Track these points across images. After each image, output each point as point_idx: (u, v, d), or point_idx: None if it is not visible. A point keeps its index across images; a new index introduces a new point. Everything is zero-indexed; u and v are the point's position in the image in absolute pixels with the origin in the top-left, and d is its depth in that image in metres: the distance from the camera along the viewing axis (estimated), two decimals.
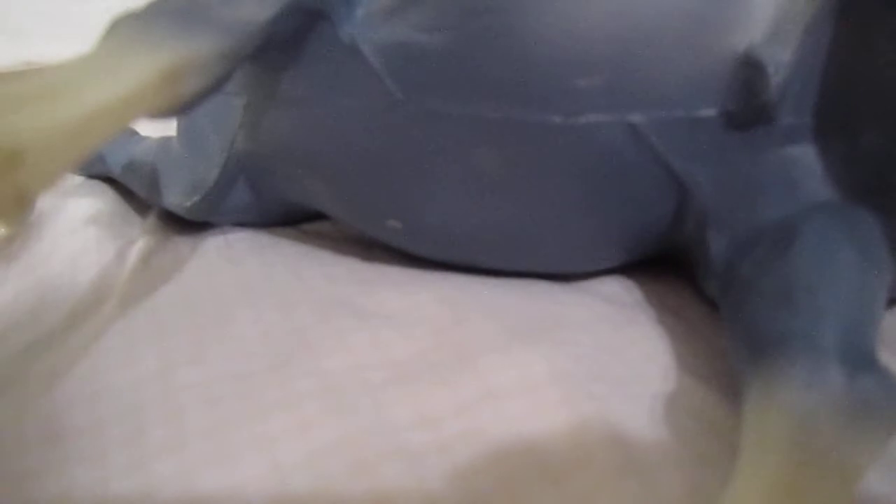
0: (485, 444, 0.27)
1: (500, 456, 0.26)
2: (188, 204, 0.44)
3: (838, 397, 0.24)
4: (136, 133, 0.53)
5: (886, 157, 0.33)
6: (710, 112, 0.33)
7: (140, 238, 0.46)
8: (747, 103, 0.33)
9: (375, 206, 0.39)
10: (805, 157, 0.34)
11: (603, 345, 0.34)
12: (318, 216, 0.48)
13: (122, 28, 0.30)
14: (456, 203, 0.37)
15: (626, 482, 0.25)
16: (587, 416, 0.28)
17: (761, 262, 0.32)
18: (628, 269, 0.41)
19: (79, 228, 0.46)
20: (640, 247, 0.39)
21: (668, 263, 0.41)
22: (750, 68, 0.33)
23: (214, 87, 0.31)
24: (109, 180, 0.53)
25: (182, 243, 0.46)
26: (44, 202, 0.48)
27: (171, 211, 0.48)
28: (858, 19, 0.32)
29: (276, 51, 0.37)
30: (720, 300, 0.35)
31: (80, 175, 0.54)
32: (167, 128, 0.46)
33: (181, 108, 0.30)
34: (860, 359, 0.26)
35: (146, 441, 0.28)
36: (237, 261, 0.43)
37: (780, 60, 0.32)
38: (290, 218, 0.47)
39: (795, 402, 0.24)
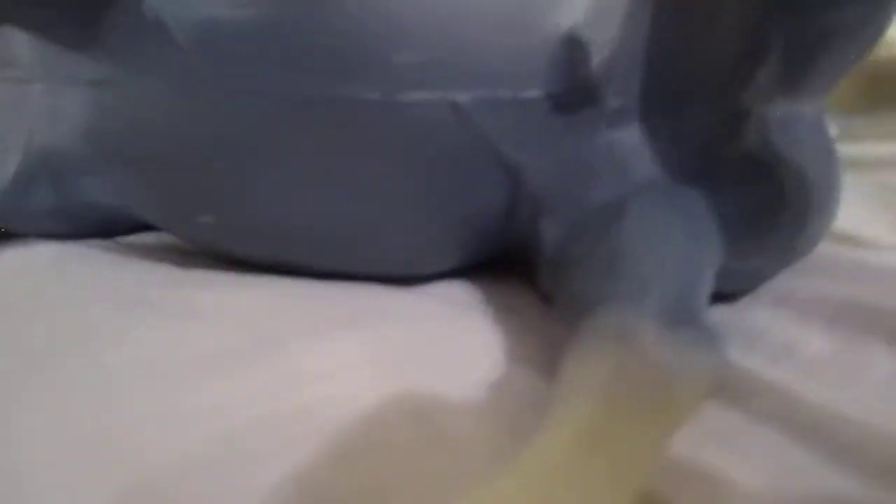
0: (280, 428, 0.24)
1: (295, 440, 0.23)
2: None
3: (650, 348, 0.23)
4: None
5: (709, 136, 0.33)
6: (535, 93, 0.32)
7: None
8: (572, 84, 0.32)
9: (187, 199, 0.36)
10: (632, 139, 0.33)
11: (428, 336, 0.31)
12: (134, 228, 0.44)
13: None
14: (274, 193, 0.34)
15: (429, 458, 0.22)
16: (396, 396, 0.25)
17: (590, 242, 0.31)
18: (470, 272, 0.39)
19: None
20: (475, 244, 0.37)
21: (509, 265, 0.39)
22: (573, 47, 0.32)
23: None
24: None
25: None
26: None
27: None
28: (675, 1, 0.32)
29: (74, 26, 0.33)
30: (552, 287, 0.33)
31: None
32: None
33: None
34: (680, 316, 0.25)
35: None
36: (35, 269, 0.38)
37: (602, 40, 0.32)
38: (102, 227, 0.43)
39: (607, 354, 0.23)
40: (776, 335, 0.32)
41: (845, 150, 0.34)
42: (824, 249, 0.35)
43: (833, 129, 0.34)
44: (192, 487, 0.21)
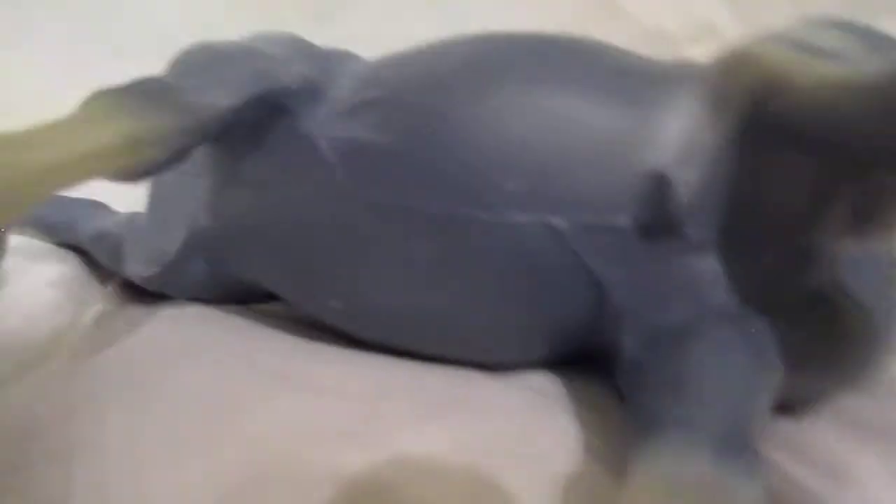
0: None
1: None
2: (147, 274, 0.47)
3: (701, 475, 0.26)
4: (107, 207, 0.56)
5: (780, 271, 0.36)
6: (624, 221, 0.37)
7: (97, 303, 0.49)
8: (658, 216, 0.37)
9: (320, 287, 0.42)
10: (709, 268, 0.37)
11: (512, 427, 0.36)
12: (270, 298, 0.51)
13: (98, 99, 0.34)
14: (392, 289, 0.40)
15: None
16: (481, 482, 0.30)
17: (662, 360, 0.35)
18: (555, 365, 0.44)
19: (41, 290, 0.49)
20: (563, 343, 0.41)
21: (592, 361, 0.44)
22: (661, 184, 0.37)
23: (171, 161, 0.35)
24: (76, 249, 0.55)
25: (136, 311, 0.48)
26: (10, 263, 0.50)
27: (132, 281, 0.51)
28: (756, 151, 0.36)
29: (239, 136, 0.40)
30: (628, 395, 0.37)
31: (50, 242, 0.56)
32: (137, 204, 0.50)
33: (138, 175, 0.34)
34: (734, 446, 0.29)
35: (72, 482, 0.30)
36: (184, 330, 0.45)
37: (687, 180, 0.36)
38: (243, 298, 0.50)
39: (662, 475, 0.26)
40: (832, 455, 0.35)
41: None
42: None
43: None
44: None
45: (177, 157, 0.35)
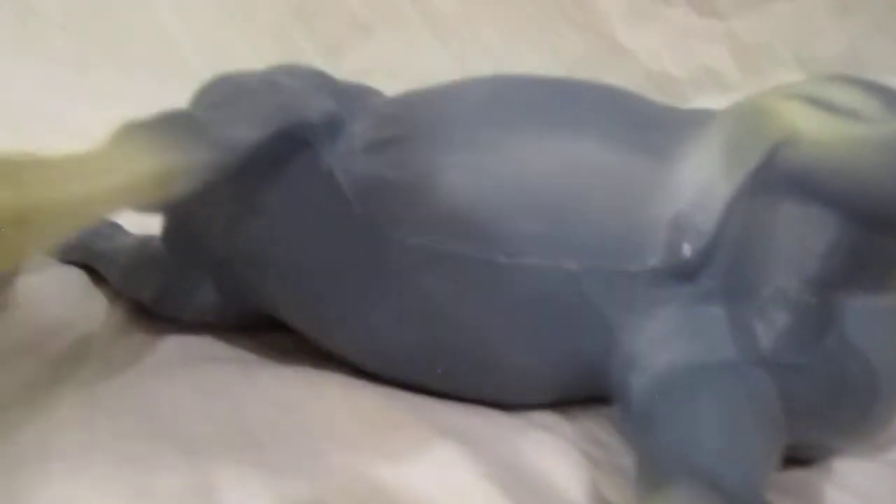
0: None
1: None
2: (157, 299, 0.47)
3: None
4: (121, 227, 0.56)
5: (785, 324, 0.37)
6: (638, 267, 0.37)
7: (102, 327, 0.49)
8: (672, 263, 0.37)
9: (332, 319, 0.42)
10: (716, 317, 0.37)
11: (526, 460, 0.36)
12: (275, 326, 0.51)
13: (130, 132, 0.34)
14: (404, 324, 0.40)
15: None
16: None
17: (669, 407, 0.35)
18: (561, 405, 0.44)
19: (50, 307, 0.49)
20: (572, 385, 0.42)
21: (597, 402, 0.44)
22: (675, 233, 0.37)
23: (195, 193, 0.35)
24: (85, 268, 0.55)
25: (140, 340, 0.48)
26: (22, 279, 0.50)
27: (138, 302, 0.51)
28: (770, 202, 0.37)
29: (258, 168, 0.41)
30: (633, 437, 0.37)
31: (61, 260, 0.56)
32: (151, 226, 0.50)
33: (164, 207, 0.34)
34: (743, 496, 0.29)
35: None
36: (191, 364, 0.45)
37: (702, 230, 0.37)
38: (249, 323, 0.50)
39: None
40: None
41: None
42: None
43: None
44: None
45: (201, 189, 0.36)
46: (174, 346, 0.48)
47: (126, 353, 0.47)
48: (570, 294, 0.38)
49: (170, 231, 0.48)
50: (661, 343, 0.38)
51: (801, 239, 0.36)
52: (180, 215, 0.47)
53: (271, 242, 0.42)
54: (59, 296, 0.50)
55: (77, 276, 0.54)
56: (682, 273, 0.38)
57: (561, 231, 0.37)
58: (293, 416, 0.39)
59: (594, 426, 0.43)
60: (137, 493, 0.32)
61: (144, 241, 0.51)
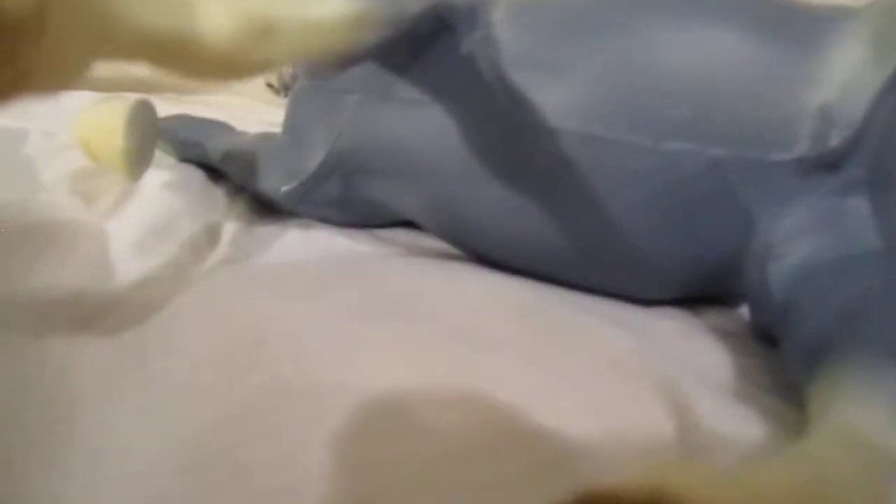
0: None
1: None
2: (284, 189, 0.48)
3: (881, 430, 0.26)
4: (233, 128, 0.57)
5: None
6: (784, 157, 0.37)
7: (227, 219, 0.50)
8: (818, 153, 0.37)
9: (467, 211, 0.43)
10: (861, 208, 0.37)
11: (680, 351, 0.37)
12: (393, 225, 0.52)
13: None
14: (547, 215, 0.41)
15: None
16: (662, 393, 0.30)
17: (819, 292, 0.35)
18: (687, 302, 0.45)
19: (173, 199, 0.50)
20: (702, 281, 0.42)
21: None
22: (822, 122, 0.37)
23: (369, 54, 0.35)
24: (200, 165, 0.57)
25: (264, 231, 0.50)
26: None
27: (259, 199, 0.52)
28: None
29: (401, 52, 0.41)
30: (778, 328, 0.37)
31: (180, 159, 0.58)
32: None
33: (342, 62, 0.34)
34: None
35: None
36: (317, 251, 0.46)
37: (850, 119, 0.37)
38: (370, 220, 0.51)
39: (843, 425, 0.26)
40: None
41: None
42: None
43: None
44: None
45: (374, 52, 0.36)
46: (297, 238, 0.49)
47: (252, 242, 0.48)
48: (714, 181, 0.38)
49: (295, 123, 0.49)
50: (803, 233, 0.38)
51: None
52: (305, 107, 0.48)
53: (412, 132, 0.43)
54: (182, 188, 0.51)
55: (196, 173, 0.56)
56: (828, 163, 0.37)
57: (707, 118, 0.37)
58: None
59: (719, 319, 0.43)
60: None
61: (266, 137, 0.52)
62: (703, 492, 0.16)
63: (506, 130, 0.40)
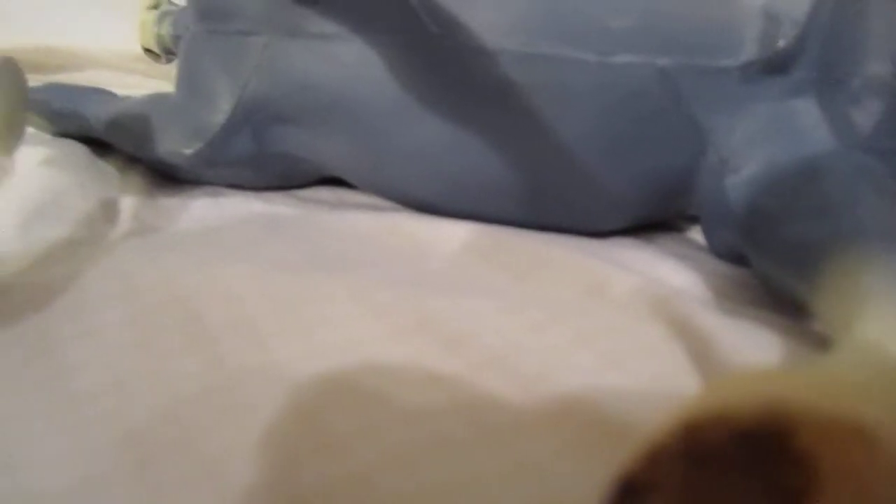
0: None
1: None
2: (189, 151, 0.42)
3: None
4: (114, 94, 0.51)
5: (882, 108, 0.36)
6: (731, 62, 0.35)
7: (124, 194, 0.44)
8: (764, 56, 0.35)
9: (398, 150, 0.39)
10: (812, 108, 0.36)
11: (657, 274, 0.34)
12: (314, 184, 0.47)
13: None
14: (490, 146, 0.37)
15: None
16: (661, 317, 0.28)
17: (786, 198, 0.34)
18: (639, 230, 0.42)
19: (57, 175, 0.43)
20: (656, 203, 0.40)
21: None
22: (769, 23, 0.35)
23: None
24: (84, 141, 0.50)
25: (170, 204, 0.44)
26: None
27: (157, 168, 0.46)
28: None
29: None
30: (747, 243, 0.35)
31: (55, 133, 0.51)
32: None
33: None
34: None
35: None
36: (232, 217, 0.41)
37: (795, 17, 0.35)
38: (287, 180, 0.46)
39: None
40: None
41: None
42: None
43: None
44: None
45: None
46: (207, 206, 0.44)
47: (156, 215, 0.42)
48: (664, 95, 0.35)
49: (192, 76, 0.43)
50: (757, 141, 0.37)
51: (893, 23, 0.35)
52: (202, 56, 0.42)
53: (329, 71, 0.38)
54: (65, 163, 0.45)
55: (78, 147, 0.49)
56: (776, 65, 0.36)
57: (653, 27, 0.35)
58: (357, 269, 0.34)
59: (673, 244, 0.41)
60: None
61: (158, 96, 0.46)
62: (819, 402, 0.13)
63: (436, 57, 0.36)
